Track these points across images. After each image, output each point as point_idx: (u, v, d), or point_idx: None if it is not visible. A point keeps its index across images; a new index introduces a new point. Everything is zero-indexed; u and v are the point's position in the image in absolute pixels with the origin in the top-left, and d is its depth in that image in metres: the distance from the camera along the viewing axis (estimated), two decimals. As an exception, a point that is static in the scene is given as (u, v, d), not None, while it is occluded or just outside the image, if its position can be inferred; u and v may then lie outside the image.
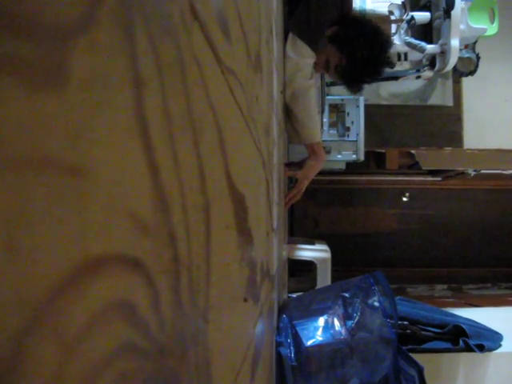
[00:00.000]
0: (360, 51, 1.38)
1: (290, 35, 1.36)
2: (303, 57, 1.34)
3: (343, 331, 1.06)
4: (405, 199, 3.41)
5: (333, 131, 2.91)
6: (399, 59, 2.75)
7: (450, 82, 3.35)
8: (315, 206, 3.34)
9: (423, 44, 2.58)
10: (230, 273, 0.39)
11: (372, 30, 1.43)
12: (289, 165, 1.52)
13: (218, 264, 0.34)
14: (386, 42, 1.45)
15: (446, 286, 3.40)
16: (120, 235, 0.18)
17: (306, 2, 1.39)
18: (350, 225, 3.41)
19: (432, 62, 2.70)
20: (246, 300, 0.49)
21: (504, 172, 2.90)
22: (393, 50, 2.62)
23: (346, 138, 2.90)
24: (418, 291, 3.35)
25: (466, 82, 3.31)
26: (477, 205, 3.44)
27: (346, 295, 1.16)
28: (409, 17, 2.58)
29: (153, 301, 0.21)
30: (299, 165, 1.45)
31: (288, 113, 1.38)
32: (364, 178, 3.31)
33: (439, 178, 3.24)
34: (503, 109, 3.38)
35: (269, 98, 0.81)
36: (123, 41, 0.18)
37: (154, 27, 0.21)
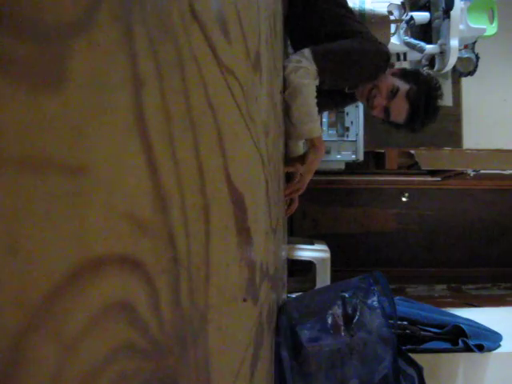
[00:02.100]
0: (426, 81, 1.52)
1: (303, 51, 1.39)
2: (307, 61, 1.37)
3: (342, 331, 1.07)
4: (404, 199, 3.41)
5: (332, 131, 2.91)
6: (398, 59, 2.75)
7: (449, 82, 3.36)
8: (315, 206, 3.34)
9: (422, 44, 2.58)
10: (229, 273, 0.39)
11: (421, 73, 1.58)
12: (288, 161, 1.53)
13: (217, 264, 0.34)
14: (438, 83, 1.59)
15: (445, 286, 3.40)
16: (119, 235, 0.18)
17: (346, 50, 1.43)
18: (350, 225, 3.41)
19: (431, 62, 2.70)
20: (245, 300, 0.49)
21: (503, 172, 2.90)
22: (392, 50, 2.62)
23: (345, 138, 2.90)
24: (418, 291, 3.35)
25: (466, 82, 3.31)
26: (476, 205, 3.44)
27: (346, 295, 1.16)
28: (408, 17, 2.58)
29: (152, 301, 0.21)
30: (299, 159, 1.47)
31: (287, 110, 1.39)
32: (363, 178, 3.31)
33: (438, 178, 3.24)
34: (502, 109, 3.38)
35: (268, 97, 0.81)
36: (123, 41, 0.18)
37: (154, 27, 0.21)
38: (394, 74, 1.52)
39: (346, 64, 1.42)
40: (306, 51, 1.38)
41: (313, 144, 1.41)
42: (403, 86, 1.49)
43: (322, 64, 1.36)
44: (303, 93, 1.35)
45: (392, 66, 2.67)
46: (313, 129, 1.38)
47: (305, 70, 1.35)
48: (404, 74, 1.52)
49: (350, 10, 1.62)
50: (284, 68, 1.36)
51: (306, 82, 1.36)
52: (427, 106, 1.52)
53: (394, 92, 1.49)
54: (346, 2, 1.65)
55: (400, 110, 1.51)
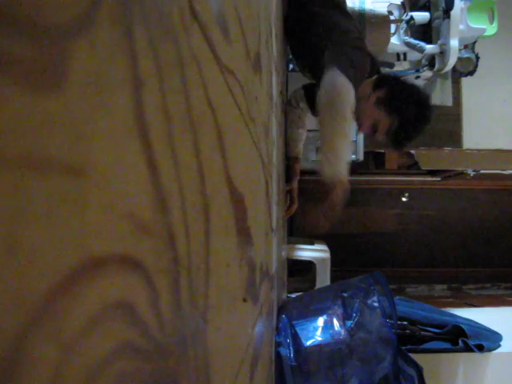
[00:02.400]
0: (410, 114, 1.44)
1: (328, 71, 1.37)
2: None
3: (342, 331, 1.06)
4: (404, 199, 3.41)
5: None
6: (398, 59, 2.76)
7: (449, 82, 3.36)
8: (314, 206, 3.34)
9: (422, 44, 2.58)
10: (229, 273, 0.39)
11: (415, 90, 1.50)
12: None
13: (217, 264, 0.34)
14: (429, 100, 1.52)
15: (445, 286, 3.40)
16: (119, 235, 0.18)
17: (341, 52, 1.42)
18: (350, 225, 3.41)
19: (431, 62, 2.70)
20: (245, 300, 0.49)
21: (503, 172, 2.90)
22: (392, 50, 2.63)
23: (345, 138, 2.90)
24: (418, 291, 3.35)
25: (466, 82, 3.31)
26: (476, 205, 3.44)
27: (346, 295, 1.16)
28: (408, 17, 2.58)
29: (152, 301, 0.21)
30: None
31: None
32: (363, 178, 3.31)
33: (438, 178, 3.24)
34: (502, 109, 3.38)
35: (268, 98, 0.81)
36: (123, 41, 0.18)
37: (154, 27, 0.21)
38: (378, 101, 1.46)
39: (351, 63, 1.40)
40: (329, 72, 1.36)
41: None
42: (383, 123, 1.46)
43: (346, 70, 1.35)
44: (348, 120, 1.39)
45: (392, 65, 2.66)
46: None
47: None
48: (389, 101, 1.45)
49: (345, 16, 1.61)
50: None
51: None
52: (410, 133, 1.49)
53: (374, 129, 1.50)
54: (344, 6, 1.65)
55: (382, 140, 1.54)
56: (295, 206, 1.74)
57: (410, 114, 1.44)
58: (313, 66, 1.56)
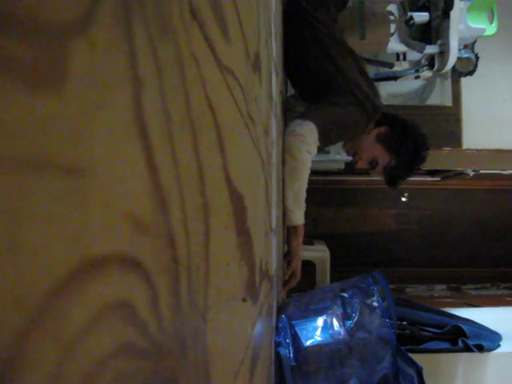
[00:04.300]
0: (408, 153, 1.50)
1: (305, 120, 1.41)
2: (310, 135, 1.41)
3: (342, 331, 1.07)
4: (404, 199, 3.41)
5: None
6: (398, 59, 2.75)
7: (448, 82, 3.36)
8: (314, 206, 3.34)
9: (422, 44, 2.58)
10: (228, 273, 0.39)
11: (415, 130, 1.55)
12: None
13: (216, 264, 0.34)
14: (427, 140, 1.56)
15: (445, 286, 3.40)
16: (119, 235, 0.18)
17: (331, 112, 1.44)
18: (349, 225, 3.41)
19: (431, 62, 2.69)
20: (244, 300, 0.49)
21: (503, 172, 2.90)
22: (392, 50, 2.63)
23: (345, 138, 2.90)
24: (418, 291, 3.35)
25: (465, 82, 3.31)
26: (476, 205, 3.44)
27: (345, 295, 1.16)
28: (407, 17, 2.57)
29: (152, 301, 0.21)
30: (285, 257, 1.51)
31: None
32: (363, 178, 3.31)
33: (438, 178, 3.24)
34: (502, 109, 3.38)
35: (268, 98, 0.81)
36: (122, 40, 0.18)
37: (153, 27, 0.21)
38: (378, 137, 1.51)
39: (334, 131, 1.46)
40: (305, 121, 1.40)
41: (295, 230, 1.47)
42: (382, 160, 1.51)
43: (319, 127, 1.39)
44: (303, 179, 1.40)
45: (392, 65, 2.66)
46: (300, 217, 1.45)
47: (308, 148, 1.40)
48: (389, 140, 1.50)
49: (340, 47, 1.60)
50: (286, 139, 1.41)
51: (309, 164, 1.42)
52: (407, 172, 1.55)
53: (372, 165, 1.53)
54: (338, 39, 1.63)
55: (379, 177, 1.59)
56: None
57: (408, 154, 1.50)
58: (305, 91, 1.61)
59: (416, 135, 1.54)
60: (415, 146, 1.51)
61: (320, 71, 1.54)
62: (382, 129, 1.52)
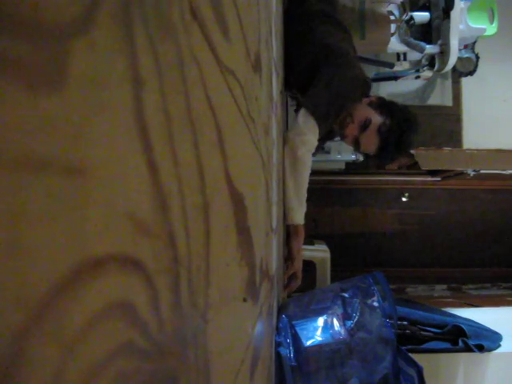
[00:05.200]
0: (402, 115, 1.51)
1: (303, 111, 1.40)
2: (311, 133, 1.39)
3: (342, 331, 1.06)
4: (404, 199, 3.41)
5: (332, 131, 2.90)
6: (398, 59, 2.75)
7: (449, 82, 3.36)
8: (314, 206, 3.34)
9: (422, 44, 2.58)
10: (229, 273, 0.39)
11: (402, 106, 1.59)
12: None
13: (217, 264, 0.34)
14: (415, 116, 1.58)
15: (445, 286, 3.40)
16: (119, 235, 0.18)
17: (326, 85, 1.42)
18: (350, 225, 3.41)
19: (431, 62, 2.69)
20: (245, 300, 0.49)
21: (503, 172, 2.90)
22: (392, 50, 2.63)
23: (345, 138, 2.90)
24: (418, 291, 3.35)
25: (466, 82, 3.31)
26: (476, 205, 3.44)
27: (346, 295, 1.16)
28: (408, 17, 2.57)
29: (152, 301, 0.21)
30: (286, 261, 1.49)
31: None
32: (363, 178, 3.31)
33: (438, 178, 3.24)
34: (502, 109, 3.38)
35: (268, 97, 0.81)
36: (122, 41, 0.18)
37: (154, 27, 0.21)
38: (370, 104, 1.53)
39: (333, 102, 1.43)
40: (303, 113, 1.39)
41: (295, 231, 1.45)
42: (376, 119, 1.50)
43: (318, 115, 1.38)
44: (304, 177, 1.39)
45: (392, 65, 2.66)
46: (301, 217, 1.43)
47: (308, 147, 1.39)
48: (380, 105, 1.52)
49: (338, 25, 1.61)
50: (287, 138, 1.40)
51: (309, 163, 1.40)
52: (398, 142, 1.52)
53: (366, 124, 1.50)
54: (336, 17, 1.64)
55: (369, 143, 1.52)
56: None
57: (402, 115, 1.51)
58: (299, 83, 1.59)
59: (404, 108, 1.57)
60: (406, 114, 1.53)
61: (314, 41, 1.53)
62: (373, 97, 1.55)
